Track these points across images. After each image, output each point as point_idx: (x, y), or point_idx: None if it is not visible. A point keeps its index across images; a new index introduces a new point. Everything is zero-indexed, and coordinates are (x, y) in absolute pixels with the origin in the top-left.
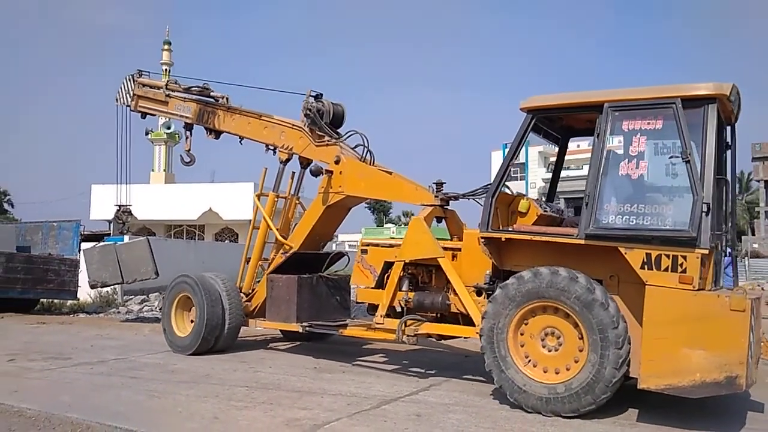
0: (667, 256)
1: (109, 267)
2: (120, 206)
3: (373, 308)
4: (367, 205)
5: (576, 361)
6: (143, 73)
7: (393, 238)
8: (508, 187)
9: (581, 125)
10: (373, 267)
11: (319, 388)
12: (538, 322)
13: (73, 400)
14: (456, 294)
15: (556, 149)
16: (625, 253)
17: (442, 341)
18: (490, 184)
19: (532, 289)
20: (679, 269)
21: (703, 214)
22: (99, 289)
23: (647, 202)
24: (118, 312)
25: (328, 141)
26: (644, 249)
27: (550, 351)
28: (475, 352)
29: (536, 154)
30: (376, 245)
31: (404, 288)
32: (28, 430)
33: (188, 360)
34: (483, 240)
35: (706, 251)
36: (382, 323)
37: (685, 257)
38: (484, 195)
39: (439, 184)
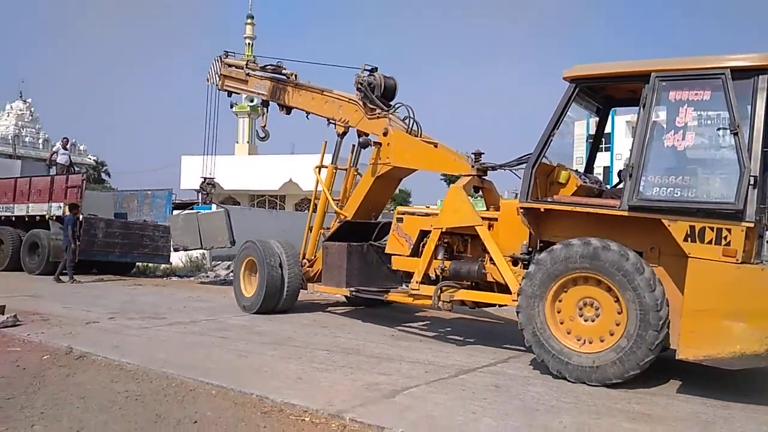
0: (711, 228)
1: (190, 233)
2: (205, 178)
3: (408, 276)
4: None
5: (617, 325)
6: (229, 54)
7: (428, 207)
8: (547, 158)
9: (623, 95)
10: (408, 235)
11: (396, 355)
12: (574, 294)
13: (168, 356)
14: (493, 263)
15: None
16: (669, 226)
17: (477, 308)
18: (528, 155)
19: (567, 261)
20: (723, 242)
21: (750, 186)
22: (189, 252)
23: (692, 174)
24: (207, 276)
25: (378, 114)
26: (688, 221)
27: (587, 321)
28: (508, 320)
29: (623, 123)
30: (412, 214)
31: (440, 256)
32: (129, 382)
33: (271, 323)
34: (522, 210)
35: (752, 224)
36: (418, 290)
37: (729, 230)
38: (521, 166)
39: (478, 155)
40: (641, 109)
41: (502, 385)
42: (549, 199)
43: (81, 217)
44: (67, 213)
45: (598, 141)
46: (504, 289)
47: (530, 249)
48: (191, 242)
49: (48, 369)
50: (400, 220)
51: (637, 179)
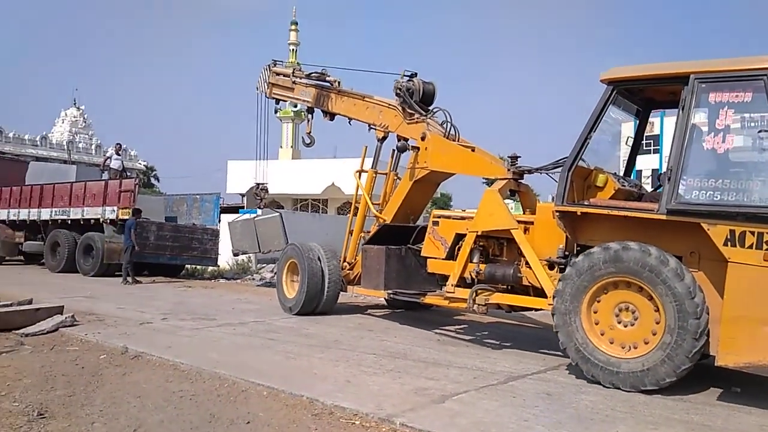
0: (752, 233)
1: (248, 238)
2: (258, 184)
3: (444, 279)
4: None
5: (654, 334)
6: (277, 62)
7: (464, 210)
8: (584, 161)
9: (663, 97)
10: (444, 238)
11: (444, 360)
12: (611, 298)
13: (219, 357)
14: (528, 266)
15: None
16: (708, 230)
17: (512, 312)
18: (564, 158)
19: (604, 265)
20: (765, 246)
21: None
22: (240, 257)
23: (732, 178)
24: (253, 278)
25: (417, 118)
26: (728, 225)
27: (625, 326)
28: (546, 324)
29: (672, 125)
30: (448, 217)
31: (475, 260)
32: (182, 382)
33: (318, 325)
34: (558, 213)
35: None
36: (453, 292)
37: None
38: (558, 169)
39: (514, 158)
40: (680, 111)
41: (554, 393)
42: (585, 203)
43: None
44: (130, 217)
45: (638, 144)
46: (540, 293)
47: (567, 253)
48: (249, 246)
49: (105, 368)
50: (435, 223)
51: (675, 182)
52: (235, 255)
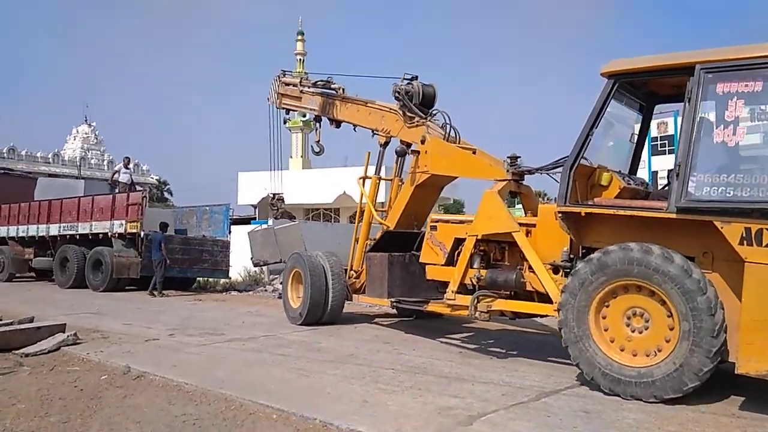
0: None
1: (269, 248)
2: (274, 194)
3: (444, 285)
4: None
5: (668, 340)
6: (286, 72)
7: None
8: (586, 159)
9: (667, 91)
10: (442, 243)
11: (468, 374)
12: (620, 303)
13: (227, 375)
14: (532, 271)
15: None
16: (722, 228)
17: (516, 319)
18: (566, 157)
19: (609, 269)
20: None
21: None
22: (259, 267)
23: (746, 172)
24: (265, 290)
25: (417, 122)
26: (743, 223)
27: (633, 332)
28: (554, 330)
29: None
30: (446, 221)
31: (475, 265)
32: (186, 405)
33: (332, 339)
34: (561, 215)
35: None
36: (454, 299)
37: None
38: (559, 169)
39: (514, 158)
40: (686, 103)
41: (593, 411)
42: (589, 203)
43: (143, 234)
44: (159, 230)
45: (642, 140)
46: (544, 298)
47: (572, 256)
48: (270, 256)
49: (105, 390)
50: (433, 228)
51: (685, 179)
52: (256, 265)
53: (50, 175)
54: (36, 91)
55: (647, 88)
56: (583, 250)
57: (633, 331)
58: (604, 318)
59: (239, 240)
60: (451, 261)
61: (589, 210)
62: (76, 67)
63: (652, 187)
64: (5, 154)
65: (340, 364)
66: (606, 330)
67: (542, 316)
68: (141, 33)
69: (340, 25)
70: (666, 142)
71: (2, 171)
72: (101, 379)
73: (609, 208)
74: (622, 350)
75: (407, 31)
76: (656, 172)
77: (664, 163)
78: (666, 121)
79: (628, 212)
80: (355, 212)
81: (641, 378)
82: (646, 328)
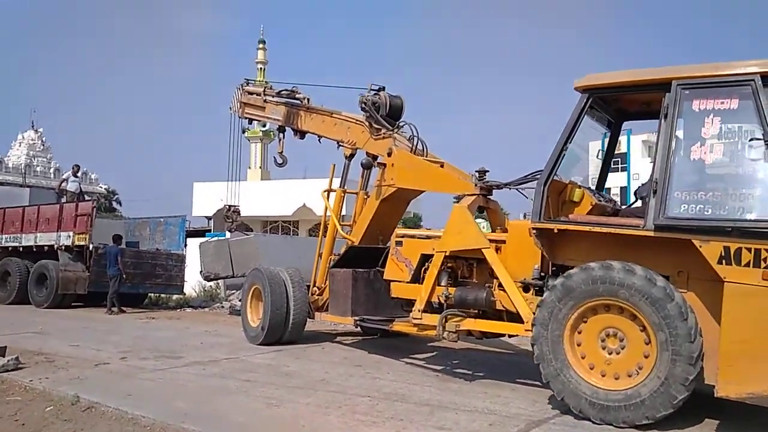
0: (749, 249)
1: (222, 260)
2: (230, 206)
3: (409, 304)
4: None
5: (641, 366)
6: (250, 81)
7: (429, 229)
8: (558, 175)
9: (636, 107)
10: (408, 260)
11: (449, 401)
12: (592, 326)
13: (188, 406)
14: (502, 289)
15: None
16: (700, 247)
17: (484, 339)
18: (536, 172)
19: (585, 287)
20: (763, 264)
21: None
22: (211, 282)
23: (724, 191)
24: (222, 307)
25: (383, 134)
26: (722, 242)
27: (611, 354)
28: (524, 350)
29: (639, 143)
30: (412, 236)
31: (443, 283)
32: None
33: (299, 361)
34: (535, 231)
35: None
36: (420, 318)
37: None
38: (529, 184)
39: (482, 173)
40: (662, 120)
41: None
42: (564, 219)
43: (91, 246)
44: (113, 244)
45: (610, 158)
46: (515, 317)
47: (542, 273)
48: (222, 269)
49: (51, 424)
50: (399, 243)
51: (662, 196)
52: (206, 279)
53: None
54: None
55: (618, 105)
56: (554, 268)
57: (610, 353)
58: (579, 345)
59: (194, 253)
60: (417, 278)
61: (563, 227)
62: (23, 70)
63: (618, 204)
64: None
65: (312, 391)
66: (584, 357)
67: (511, 336)
68: (96, 37)
69: (302, 35)
70: (619, 159)
71: None
72: (46, 411)
73: (585, 225)
74: (603, 375)
75: (379, 41)
76: (609, 189)
77: (616, 181)
78: (619, 139)
79: (605, 229)
80: (316, 225)
81: (629, 400)
82: (623, 348)
